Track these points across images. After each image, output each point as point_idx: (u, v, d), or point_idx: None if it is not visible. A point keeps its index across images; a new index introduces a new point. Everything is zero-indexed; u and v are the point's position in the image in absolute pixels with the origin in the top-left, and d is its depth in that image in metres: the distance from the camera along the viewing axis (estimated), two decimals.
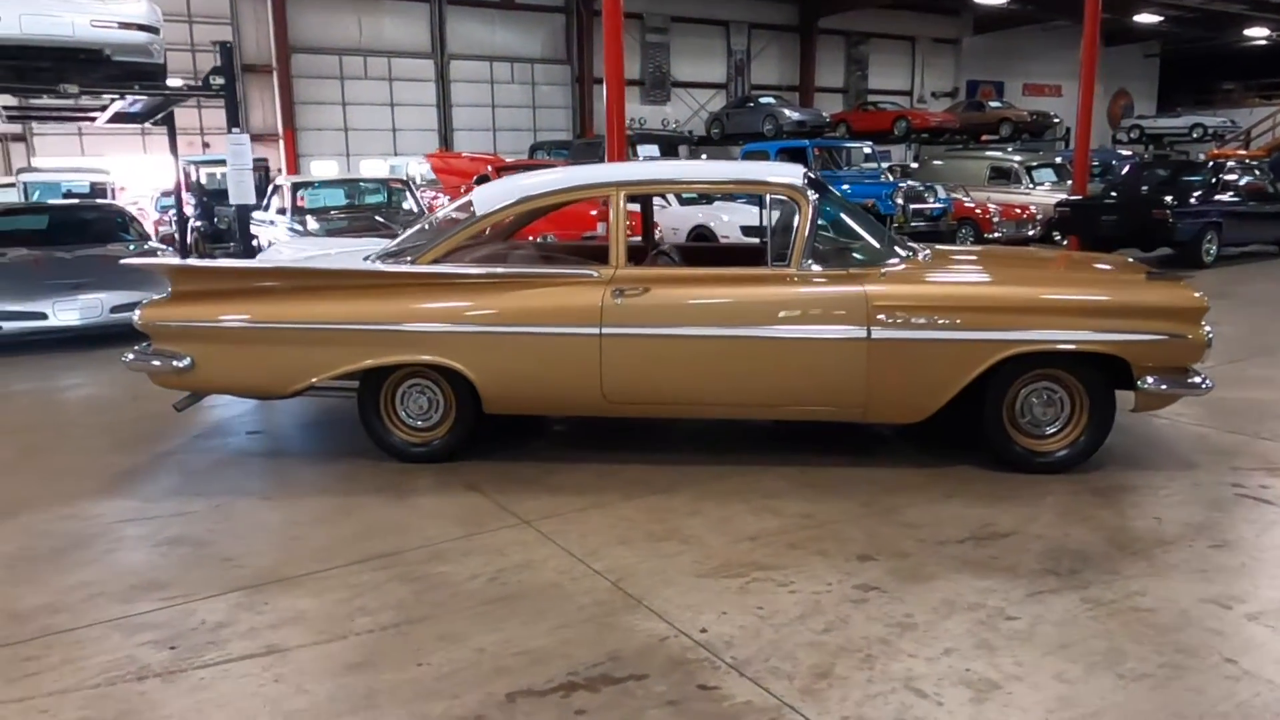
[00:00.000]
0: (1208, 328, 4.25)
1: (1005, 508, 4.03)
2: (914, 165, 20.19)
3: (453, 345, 4.50)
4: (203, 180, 15.76)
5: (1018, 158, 17.76)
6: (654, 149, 18.83)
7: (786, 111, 26.11)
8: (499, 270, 4.59)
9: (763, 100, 27.24)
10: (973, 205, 15.74)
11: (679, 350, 4.40)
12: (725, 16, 30.95)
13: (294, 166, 23.89)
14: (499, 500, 4.24)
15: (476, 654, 2.92)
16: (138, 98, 8.66)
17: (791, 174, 4.46)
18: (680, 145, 20.03)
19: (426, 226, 4.99)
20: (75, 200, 13.83)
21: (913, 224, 13.81)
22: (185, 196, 13.36)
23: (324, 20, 24.44)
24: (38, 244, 9.39)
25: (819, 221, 4.49)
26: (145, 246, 9.74)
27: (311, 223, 10.24)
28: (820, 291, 4.33)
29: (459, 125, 26.88)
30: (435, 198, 15.49)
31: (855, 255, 4.63)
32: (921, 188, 14.41)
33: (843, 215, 5.00)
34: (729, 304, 4.38)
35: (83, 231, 9.90)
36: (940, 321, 4.25)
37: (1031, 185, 16.98)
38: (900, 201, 13.71)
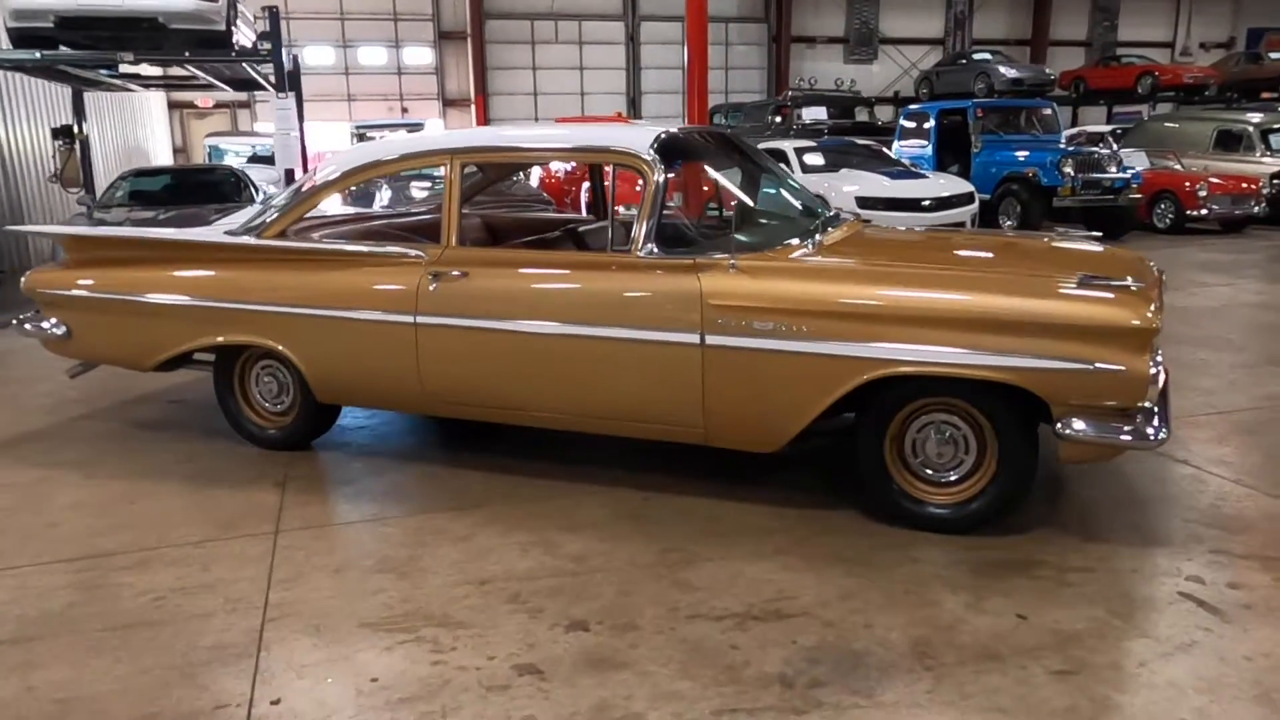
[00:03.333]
0: (1157, 357, 3.04)
1: (831, 576, 3.10)
2: (1106, 129, 17.37)
3: (276, 326, 4.14)
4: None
5: (1256, 119, 14.79)
6: (820, 111, 17.47)
7: (1002, 69, 23.51)
8: (319, 247, 4.15)
9: (976, 56, 24.69)
10: (1179, 177, 13.32)
11: (494, 346, 3.77)
12: None
13: None
14: (289, 501, 3.86)
15: (23, 692, 2.55)
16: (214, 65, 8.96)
17: (638, 140, 3.65)
18: (858, 107, 18.46)
19: (292, 194, 4.63)
20: (201, 165, 14.82)
21: (1083, 197, 11.80)
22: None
23: None
24: (162, 204, 10.10)
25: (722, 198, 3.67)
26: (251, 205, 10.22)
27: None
28: (653, 284, 3.53)
29: (648, 88, 26.56)
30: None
31: (740, 238, 3.74)
32: (1104, 154, 12.29)
33: (762, 188, 4.11)
34: (553, 294, 3.69)
35: (201, 193, 10.56)
36: (787, 328, 3.33)
37: (1268, 153, 14.13)
38: (1069, 171, 11.75)
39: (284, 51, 8.33)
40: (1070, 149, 12.35)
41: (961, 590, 3.00)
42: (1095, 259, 3.83)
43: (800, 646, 2.69)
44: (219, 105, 23.91)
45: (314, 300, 4.05)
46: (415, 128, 17.68)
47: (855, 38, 28.24)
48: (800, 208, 4.34)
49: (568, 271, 3.71)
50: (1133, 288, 3.10)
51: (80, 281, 4.56)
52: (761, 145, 13.46)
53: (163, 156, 21.93)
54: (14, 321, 4.81)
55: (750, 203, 3.87)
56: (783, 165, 12.20)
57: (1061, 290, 3.13)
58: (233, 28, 8.39)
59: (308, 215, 4.31)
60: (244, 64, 8.63)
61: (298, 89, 12.36)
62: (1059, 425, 3.11)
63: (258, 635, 2.81)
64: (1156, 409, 3.20)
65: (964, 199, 11.12)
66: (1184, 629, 2.74)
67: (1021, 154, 12.54)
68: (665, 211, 3.63)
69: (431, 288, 3.83)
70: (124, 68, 9.87)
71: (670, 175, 3.66)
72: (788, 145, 12.61)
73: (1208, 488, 3.82)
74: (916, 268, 3.46)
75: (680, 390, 3.51)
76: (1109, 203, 12.05)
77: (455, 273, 3.82)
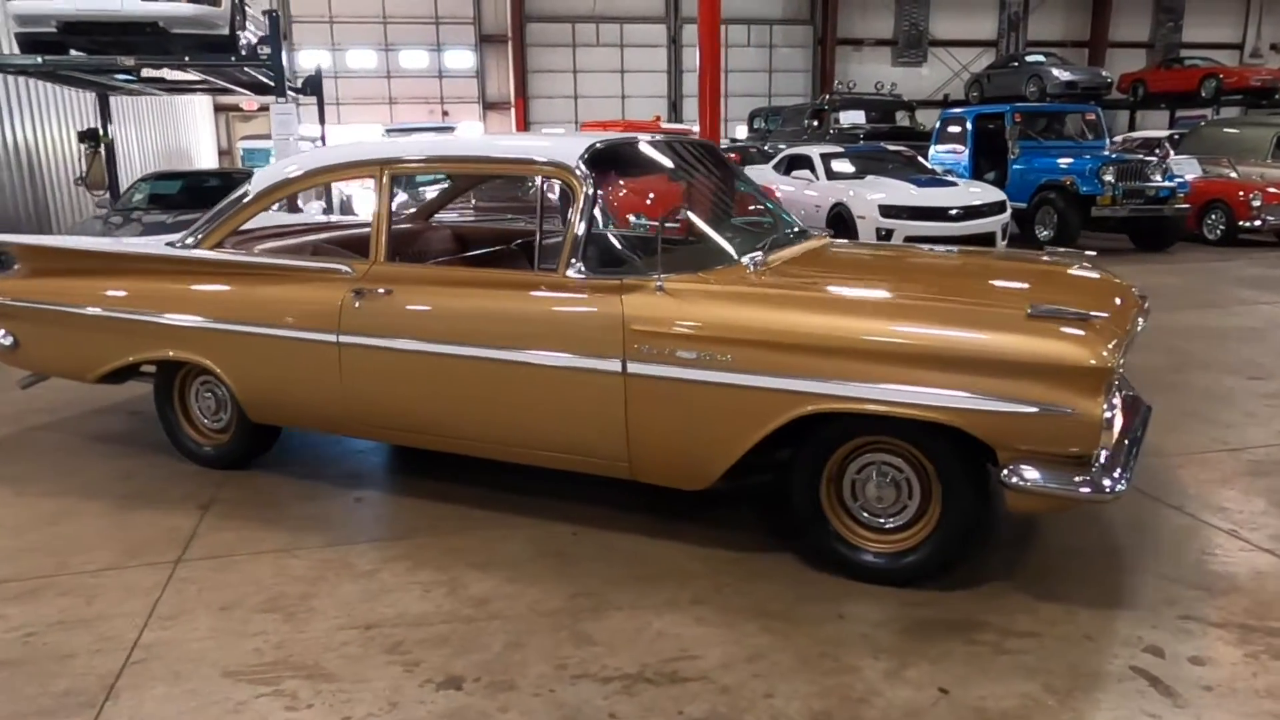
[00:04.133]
0: (1112, 401, 2.69)
1: (746, 632, 2.82)
2: (1164, 135, 16.63)
3: (205, 342, 3.98)
4: None
5: None
6: (858, 115, 16.99)
7: (1055, 71, 22.73)
8: (246, 260, 3.98)
9: (1029, 59, 23.95)
10: (1232, 186, 12.63)
11: (414, 368, 3.55)
12: None
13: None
14: (206, 527, 3.69)
15: None
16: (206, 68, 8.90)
17: (566, 151, 3.40)
18: (899, 111, 17.92)
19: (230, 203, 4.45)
20: (220, 169, 14.93)
21: (1124, 206, 11.20)
22: None
23: None
24: (179, 207, 10.14)
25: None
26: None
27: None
28: (575, 307, 3.28)
29: (689, 91, 26.23)
30: None
31: (676, 257, 3.47)
32: (1149, 162, 11.67)
33: (720, 202, 3.83)
34: (474, 314, 3.45)
35: (219, 196, 10.57)
36: (711, 357, 3.05)
37: None
38: (1109, 179, 11.17)
39: (286, 55, 8.24)
40: (1112, 155, 11.77)
41: (885, 654, 2.69)
42: (1072, 284, 3.48)
43: (685, 718, 2.41)
44: (263, 108, 24.20)
45: (241, 316, 3.88)
46: (445, 131, 17.63)
47: (904, 40, 27.63)
48: (761, 224, 4.05)
49: (491, 290, 3.48)
50: (1091, 321, 2.76)
51: (26, 292, 4.47)
52: (788, 151, 13.15)
53: (207, 159, 22.31)
54: None
55: (697, 218, 3.58)
56: (807, 172, 11.92)
57: (1009, 323, 2.80)
58: (239, 32, 8.34)
59: (249, 226, 4.15)
60: (250, 69, 8.57)
61: (319, 93, 12.42)
62: (1005, 472, 2.79)
63: (112, 682, 2.63)
64: (1119, 455, 2.86)
65: (994, 208, 10.65)
66: (1126, 713, 2.40)
67: (1061, 161, 11.99)
68: (597, 227, 3.38)
69: (355, 305, 3.63)
70: (146, 71, 9.96)
71: (603, 189, 3.41)
72: (813, 151, 12.26)
73: (1197, 539, 3.45)
74: (857, 294, 3.15)
75: (602, 421, 3.26)
76: (1153, 212, 11.44)
77: (380, 290, 3.62)
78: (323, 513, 3.83)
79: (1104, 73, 23.34)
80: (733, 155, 13.06)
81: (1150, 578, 3.15)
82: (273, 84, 8.10)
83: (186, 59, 8.10)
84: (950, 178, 11.74)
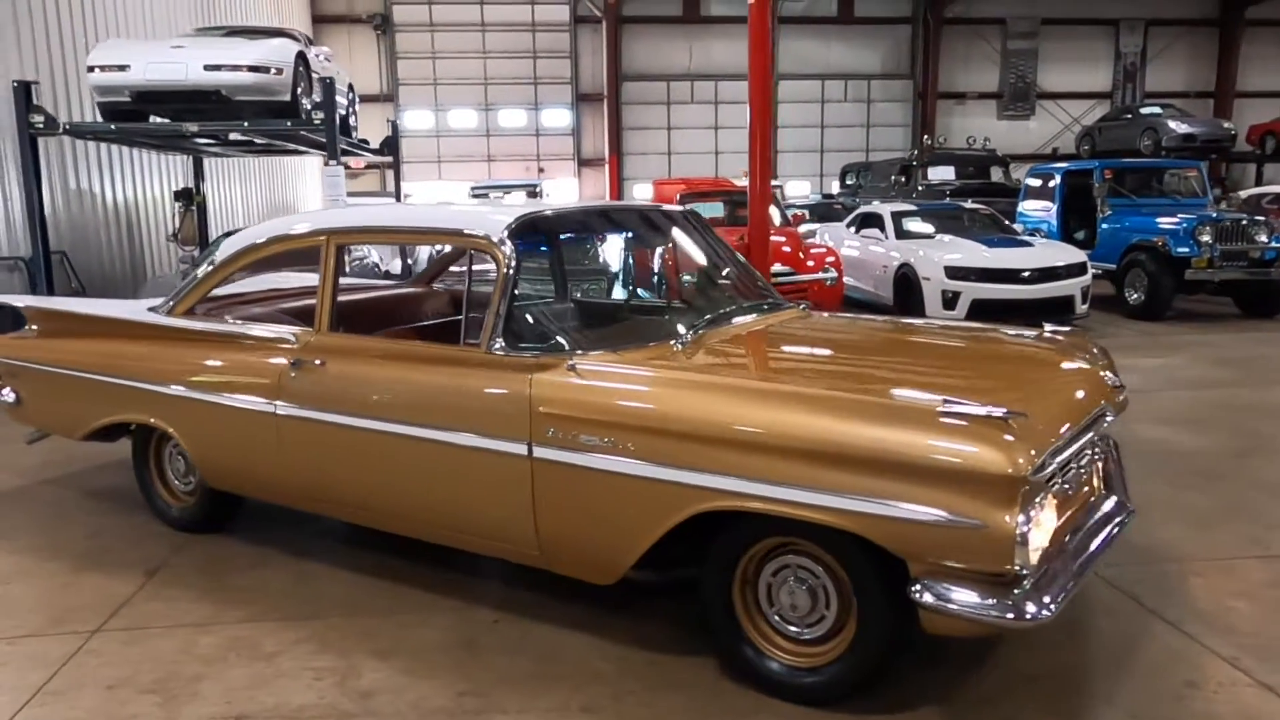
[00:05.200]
0: (1025, 515, 2.34)
1: None
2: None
3: (164, 407, 4.02)
4: None
5: None
6: (947, 171, 16.45)
7: (1171, 123, 21.52)
8: (202, 328, 4.00)
9: (1144, 111, 22.78)
10: None
11: (340, 441, 3.47)
12: (1114, 14, 26.58)
13: (617, 192, 24.87)
14: (143, 594, 3.68)
15: None
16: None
17: (492, 223, 3.28)
18: (993, 166, 17.27)
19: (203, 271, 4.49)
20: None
21: (1222, 269, 10.35)
22: None
23: (655, 47, 25.17)
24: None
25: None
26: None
27: None
28: (489, 384, 3.13)
29: (785, 147, 26.11)
30: None
31: (598, 334, 3.30)
32: (1255, 222, 10.77)
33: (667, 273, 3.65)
34: (394, 389, 3.35)
35: (298, 255, 11.00)
36: (614, 444, 2.85)
37: None
38: (1205, 239, 10.36)
39: (394, 114, 8.50)
40: (1212, 214, 10.92)
41: None
42: (1034, 373, 3.12)
43: None
44: (370, 166, 25.33)
45: (195, 382, 3.90)
46: (531, 189, 17.99)
47: (1010, 93, 26.81)
48: (722, 296, 3.84)
49: (415, 365, 3.37)
50: (1010, 422, 2.42)
51: (27, 351, 4.64)
52: (862, 209, 12.79)
53: None
54: None
55: (635, 289, 3.41)
56: (877, 230, 11.54)
57: (918, 421, 2.49)
58: (302, 99, 8.69)
59: (221, 293, 4.20)
60: (310, 132, 8.89)
61: (395, 153, 12.83)
62: (915, 587, 2.47)
63: None
64: (1057, 575, 2.50)
65: (1073, 270, 10.00)
66: None
67: (1154, 220, 11.21)
68: (523, 302, 3.24)
69: (292, 375, 3.60)
70: (234, 135, 10.50)
71: (529, 261, 3.27)
72: (885, 208, 11.87)
73: (1187, 665, 2.99)
74: (770, 382, 2.89)
75: (511, 506, 3.08)
76: (1257, 275, 10.53)
77: (316, 361, 3.57)
78: (260, 584, 3.76)
79: (1226, 124, 21.97)
80: (797, 215, 12.81)
81: (1116, 714, 2.73)
82: (372, 147, 8.40)
83: (246, 124, 8.48)
84: (1028, 238, 11.14)
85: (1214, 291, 11.12)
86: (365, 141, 12.49)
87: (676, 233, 4.14)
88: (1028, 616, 2.37)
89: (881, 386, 2.79)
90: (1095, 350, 3.56)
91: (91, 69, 8.14)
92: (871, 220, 11.94)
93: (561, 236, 3.69)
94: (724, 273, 4.16)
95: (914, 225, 11.52)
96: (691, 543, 2.88)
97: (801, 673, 2.78)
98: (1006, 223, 11.75)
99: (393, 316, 4.29)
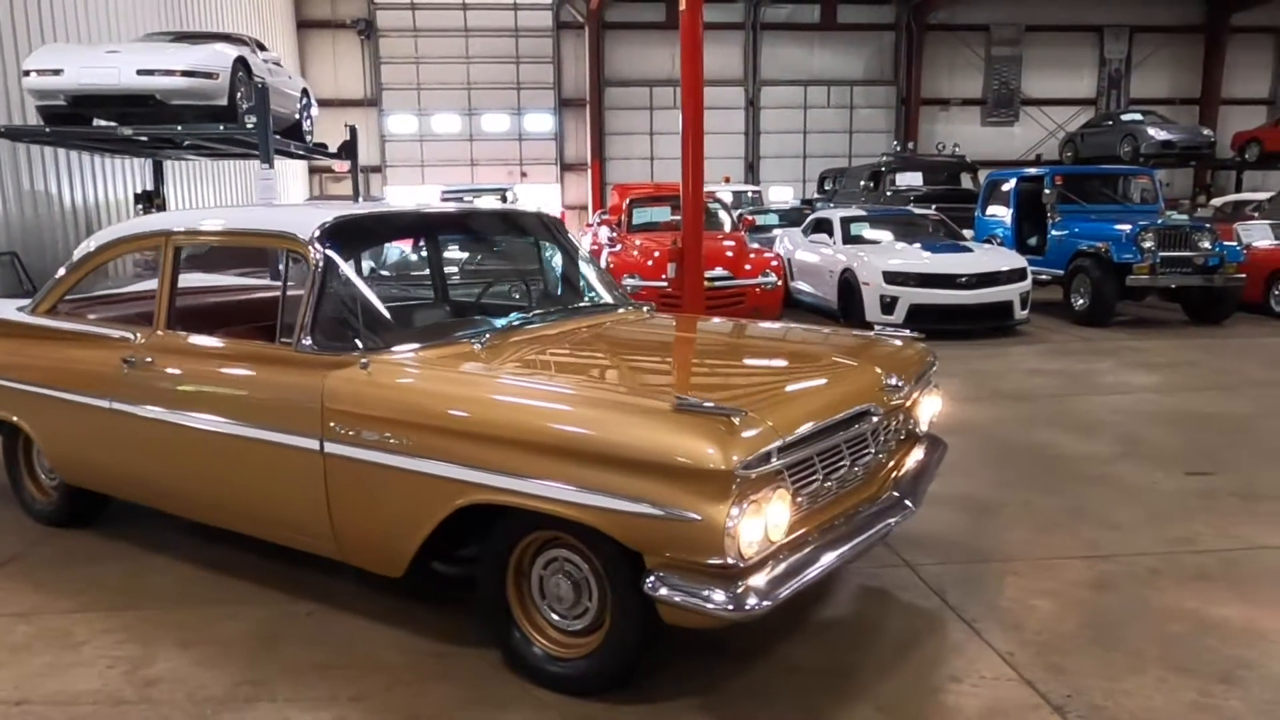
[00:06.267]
0: (738, 509, 2.40)
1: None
2: (1265, 197, 15.45)
3: (18, 403, 4.13)
4: None
5: None
6: (914, 177, 16.48)
7: (1150, 130, 21.52)
8: (48, 325, 4.09)
9: (1124, 118, 22.80)
10: None
11: (159, 436, 3.57)
12: (1098, 20, 26.60)
13: (599, 196, 24.97)
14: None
15: None
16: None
17: (302, 223, 3.37)
18: (965, 173, 17.29)
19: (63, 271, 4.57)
20: None
21: (1164, 276, 10.35)
22: None
23: (639, 53, 25.28)
24: (206, 266, 10.69)
25: (357, 287, 3.34)
26: None
27: None
28: (290, 381, 3.21)
29: (766, 152, 26.23)
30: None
31: (401, 331, 3.36)
32: (1199, 228, 10.79)
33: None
34: (208, 385, 3.45)
35: (251, 254, 11.12)
36: (388, 440, 2.93)
37: None
38: (1148, 246, 10.37)
39: (377, 119, 8.62)
40: (1155, 221, 10.94)
41: None
42: (800, 371, 3.20)
43: None
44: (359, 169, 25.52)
45: (42, 379, 4.00)
46: (502, 193, 18.09)
47: (994, 99, 26.85)
48: (552, 297, 3.92)
49: (231, 362, 3.46)
50: (729, 417, 2.49)
51: None
52: (814, 215, 12.85)
53: None
54: None
55: (447, 290, 3.49)
56: (824, 235, 11.60)
57: (646, 416, 2.56)
58: (240, 103, 8.80)
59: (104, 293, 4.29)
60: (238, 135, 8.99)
61: (353, 157, 12.94)
62: (649, 580, 2.53)
63: None
64: (787, 570, 2.56)
65: (1013, 276, 10.05)
66: None
67: (1103, 227, 11.24)
68: (332, 302, 3.31)
69: (124, 373, 3.68)
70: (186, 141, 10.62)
71: (339, 261, 3.34)
72: (835, 214, 11.94)
73: (960, 660, 3.04)
74: (537, 381, 2.96)
75: (308, 500, 3.16)
76: (1200, 283, 10.54)
77: (148, 359, 3.66)
78: (99, 577, 3.84)
79: (1206, 131, 21.94)
80: (747, 219, 12.87)
81: (865, 708, 2.79)
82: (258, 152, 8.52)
83: (179, 128, 8.60)
84: (970, 244, 11.19)
85: (1166, 298, 11.15)
86: (323, 146, 12.61)
87: (518, 235, 4.22)
88: (746, 608, 2.43)
89: (634, 386, 2.86)
90: (913, 354, 3.63)
91: (27, 73, 8.28)
92: (823, 225, 12.01)
93: (381, 238, 3.78)
94: (566, 275, 4.24)
95: (862, 230, 11.59)
96: (482, 536, 2.96)
97: (565, 662, 2.85)
98: (956, 229, 11.80)
99: (241, 316, 4.37)
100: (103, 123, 9.14)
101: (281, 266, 3.46)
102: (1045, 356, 8.99)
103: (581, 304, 3.99)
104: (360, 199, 13.67)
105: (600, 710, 2.76)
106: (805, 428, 2.68)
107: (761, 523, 2.48)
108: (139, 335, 3.79)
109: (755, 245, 11.48)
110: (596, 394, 2.75)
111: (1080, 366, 8.44)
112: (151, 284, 4.96)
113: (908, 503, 3.15)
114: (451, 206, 4.27)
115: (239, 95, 8.82)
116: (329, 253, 3.30)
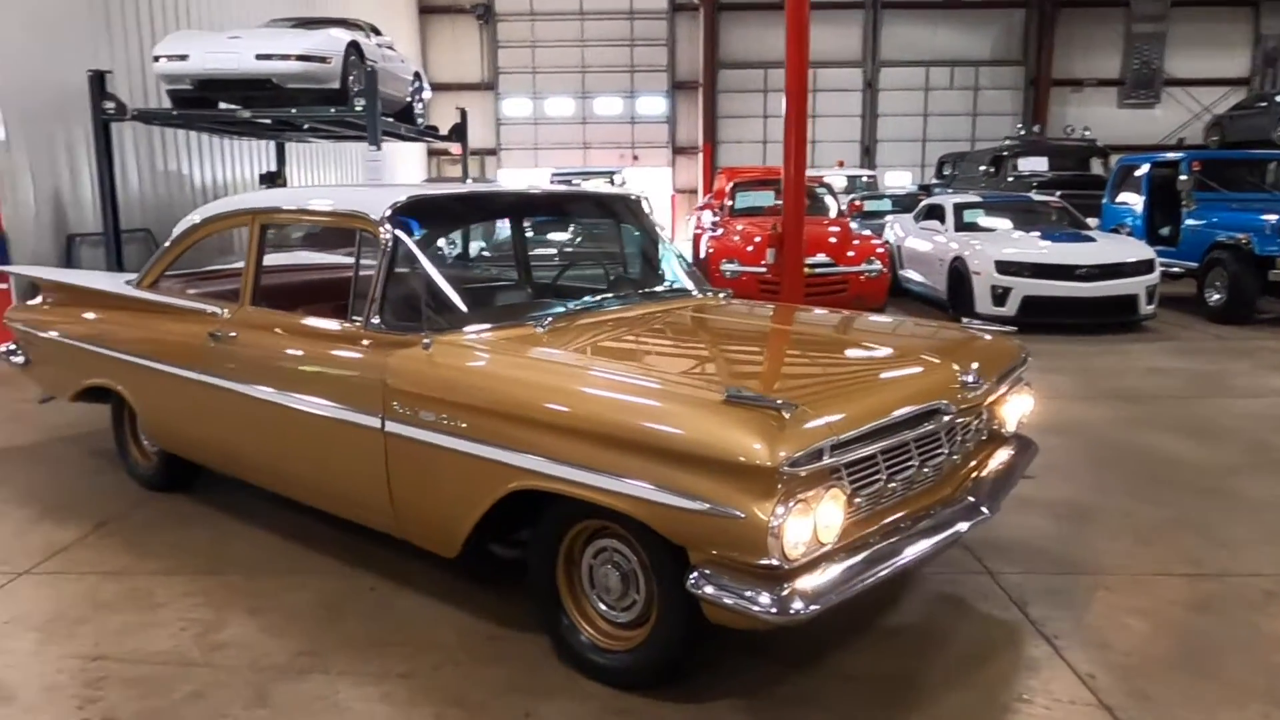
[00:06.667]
0: (784, 507, 2.28)
1: (416, 718, 2.64)
2: None
3: (119, 373, 4.35)
4: None
5: None
6: (1039, 162, 15.63)
7: None
8: (146, 298, 4.27)
9: (1279, 98, 21.07)
10: None
11: (244, 412, 3.68)
12: None
13: (709, 180, 24.72)
14: (82, 543, 3.99)
15: None
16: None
17: (374, 203, 3.39)
18: (1095, 158, 16.30)
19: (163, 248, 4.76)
20: None
21: None
22: None
23: (754, 35, 24.85)
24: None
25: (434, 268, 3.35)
26: None
27: None
28: (356, 360, 3.26)
29: (884, 136, 25.43)
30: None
31: (467, 312, 3.36)
32: None
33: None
34: (284, 361, 3.54)
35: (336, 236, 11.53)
36: (446, 421, 2.93)
37: None
38: None
39: (493, 102, 8.82)
40: None
41: None
42: (866, 365, 3.05)
43: None
44: (472, 152, 26.01)
45: (139, 350, 4.19)
46: (609, 176, 18.11)
47: (1133, 80, 25.23)
48: (626, 280, 3.85)
49: (305, 339, 3.53)
50: (780, 412, 2.37)
51: (30, 318, 5.06)
52: (928, 200, 12.36)
53: None
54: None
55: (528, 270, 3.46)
56: (936, 221, 11.16)
57: (695, 407, 2.47)
58: (351, 86, 9.05)
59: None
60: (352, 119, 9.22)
61: (463, 141, 13.18)
62: (692, 576, 2.45)
63: None
64: (836, 573, 2.44)
65: (1139, 268, 9.42)
66: None
67: (1244, 217, 10.40)
68: (400, 281, 3.34)
69: (210, 346, 3.82)
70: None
71: (408, 241, 3.36)
72: (948, 200, 11.46)
73: (1034, 680, 2.85)
74: (593, 367, 2.89)
75: (370, 477, 3.21)
76: None
77: (231, 333, 3.78)
78: (186, 541, 4.01)
79: None
80: (854, 204, 12.48)
81: None
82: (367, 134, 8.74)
83: (294, 110, 8.92)
84: (1094, 233, 10.54)
85: None
86: (434, 129, 12.88)
87: (600, 217, 4.17)
88: (791, 612, 2.32)
89: (688, 375, 2.76)
90: (1002, 348, 3.41)
91: (156, 58, 8.73)
92: (935, 212, 11.54)
93: (455, 219, 3.78)
94: (646, 258, 4.17)
95: (977, 217, 11.08)
96: (534, 521, 2.94)
97: (610, 654, 2.81)
98: (1079, 217, 11.14)
99: (328, 294, 4.48)
100: (228, 106, 9.56)
101: (355, 246, 3.50)
102: (1171, 355, 8.39)
103: (657, 289, 3.92)
104: (469, 181, 13.93)
105: (642, 705, 2.70)
106: (865, 425, 2.53)
107: (810, 523, 2.36)
108: (226, 310, 3.93)
109: (865, 232, 11.14)
110: (647, 382, 2.68)
111: (1210, 367, 7.84)
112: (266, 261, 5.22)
113: (983, 509, 2.96)
114: (529, 187, 4.25)
115: (351, 79, 9.07)
116: (398, 232, 3.33)
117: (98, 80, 8.72)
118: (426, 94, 12.21)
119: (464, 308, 3.29)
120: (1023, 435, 3.62)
